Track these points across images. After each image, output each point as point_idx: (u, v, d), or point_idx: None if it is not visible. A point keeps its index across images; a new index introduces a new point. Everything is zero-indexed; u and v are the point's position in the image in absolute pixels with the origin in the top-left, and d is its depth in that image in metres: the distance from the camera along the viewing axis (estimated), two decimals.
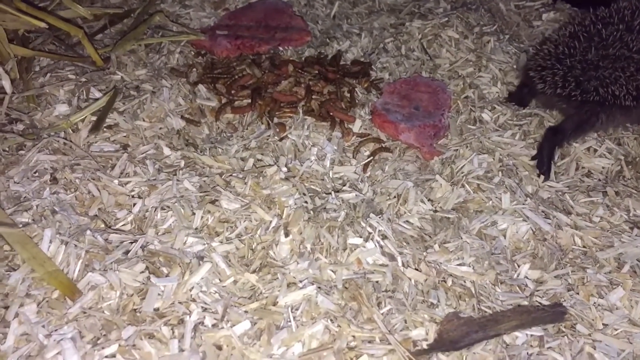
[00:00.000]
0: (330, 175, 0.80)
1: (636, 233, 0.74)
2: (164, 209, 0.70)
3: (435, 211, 0.76)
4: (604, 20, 0.82)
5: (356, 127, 0.87)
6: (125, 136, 0.82)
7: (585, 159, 0.84)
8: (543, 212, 0.76)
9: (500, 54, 1.00)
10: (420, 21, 1.06)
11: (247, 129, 0.86)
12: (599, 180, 0.82)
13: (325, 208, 0.72)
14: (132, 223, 0.71)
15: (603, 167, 0.83)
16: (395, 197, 0.77)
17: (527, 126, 0.89)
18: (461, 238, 0.72)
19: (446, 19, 1.06)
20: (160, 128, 0.84)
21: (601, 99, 0.80)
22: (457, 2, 1.21)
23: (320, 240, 0.67)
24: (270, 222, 0.70)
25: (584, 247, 0.73)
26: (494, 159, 0.83)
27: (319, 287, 0.62)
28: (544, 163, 0.83)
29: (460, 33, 1.04)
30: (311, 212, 0.70)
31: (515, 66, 0.99)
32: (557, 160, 0.84)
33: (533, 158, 0.83)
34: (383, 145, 0.85)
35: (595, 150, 0.85)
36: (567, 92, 0.81)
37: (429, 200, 0.77)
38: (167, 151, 0.80)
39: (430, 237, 0.72)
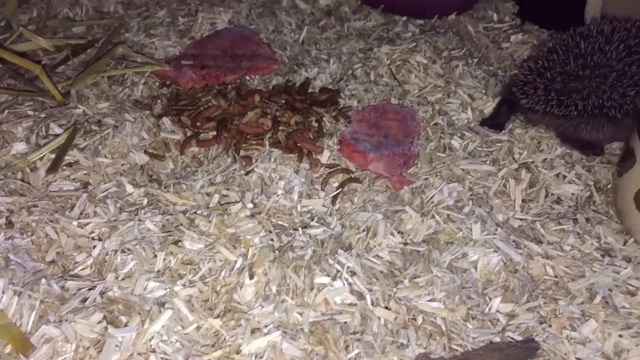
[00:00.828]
0: (299, 209, 0.78)
1: (607, 262, 0.73)
2: (125, 252, 0.68)
3: (406, 244, 0.75)
4: (582, 34, 0.84)
5: (324, 157, 0.85)
6: (85, 174, 0.80)
7: (554, 185, 0.83)
8: (514, 241, 0.75)
9: (468, 79, 0.99)
10: (388, 46, 1.06)
11: (212, 162, 0.84)
12: (569, 207, 0.81)
13: (292, 246, 0.70)
14: (91, 267, 0.68)
15: (572, 194, 0.83)
16: (364, 230, 0.75)
17: (496, 153, 0.88)
18: (432, 272, 0.70)
19: (414, 44, 1.05)
20: (123, 164, 0.82)
21: (582, 112, 0.82)
22: (425, 25, 1.21)
23: (286, 281, 0.65)
24: (236, 262, 0.68)
25: (555, 277, 0.72)
26: (464, 187, 0.82)
27: (284, 332, 0.60)
28: (588, 149, 0.88)
29: (429, 58, 1.03)
30: (277, 251, 0.68)
31: (484, 91, 0.98)
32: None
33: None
34: (352, 175, 0.84)
35: (565, 177, 0.84)
36: (549, 108, 0.83)
37: (399, 232, 0.76)
38: (129, 188, 0.78)
39: (400, 271, 0.71)
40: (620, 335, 0.65)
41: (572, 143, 0.89)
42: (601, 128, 0.85)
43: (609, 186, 0.84)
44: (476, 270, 0.72)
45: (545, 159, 0.87)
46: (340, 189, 0.81)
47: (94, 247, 0.70)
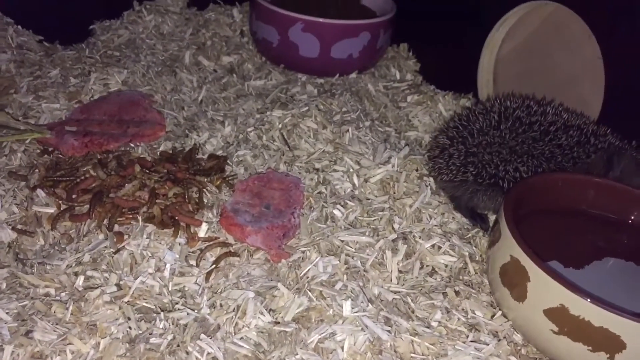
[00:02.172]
0: (170, 288, 0.76)
1: (472, 337, 0.74)
2: None
3: (276, 323, 0.74)
4: (480, 112, 0.92)
5: (203, 231, 0.84)
6: None
7: (429, 256, 0.85)
8: (385, 317, 0.76)
9: (356, 145, 1.01)
10: (280, 110, 1.06)
11: (83, 239, 0.81)
12: (442, 278, 0.82)
13: (151, 333, 0.68)
14: None
15: (446, 265, 0.84)
16: (234, 309, 0.74)
17: (377, 222, 0.89)
18: (297, 354, 0.70)
19: (306, 108, 1.07)
20: None
21: (478, 179, 0.89)
22: (325, 85, 1.22)
23: None
24: (88, 353, 0.65)
25: (422, 354, 0.73)
26: (339, 261, 0.82)
27: None
28: (473, 220, 0.93)
29: (319, 123, 1.04)
30: (129, 342, 0.66)
31: (371, 157, 0.99)
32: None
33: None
34: (230, 249, 0.83)
35: (440, 247, 0.86)
36: (450, 177, 0.91)
37: (269, 310, 0.75)
38: None
39: (264, 354, 0.70)
40: None
41: (464, 212, 0.94)
42: (495, 199, 0.91)
43: (484, 256, 0.86)
44: (342, 350, 0.71)
45: (423, 229, 0.88)
46: (215, 265, 0.80)
47: None
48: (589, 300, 0.66)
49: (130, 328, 0.68)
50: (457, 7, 1.25)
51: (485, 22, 1.17)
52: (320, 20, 1.19)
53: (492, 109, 0.92)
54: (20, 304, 0.70)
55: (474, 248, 0.88)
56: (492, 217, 0.95)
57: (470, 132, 0.90)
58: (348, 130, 1.04)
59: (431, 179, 0.97)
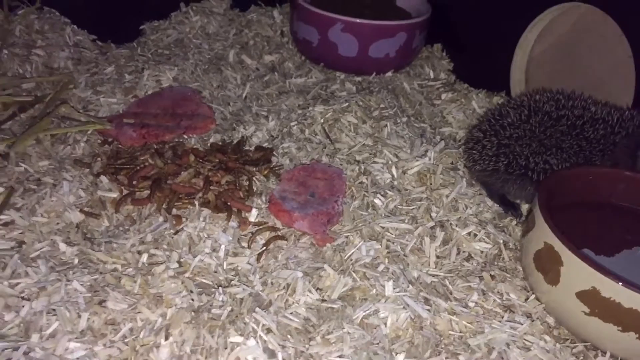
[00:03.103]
0: (224, 267, 0.83)
1: (507, 317, 0.79)
2: (50, 313, 0.72)
3: (323, 300, 0.80)
4: (512, 106, 0.97)
5: (253, 216, 0.90)
6: (21, 233, 0.83)
7: (466, 243, 0.90)
8: (425, 298, 0.81)
9: (394, 139, 1.06)
10: (322, 106, 1.12)
11: (145, 221, 0.88)
12: (478, 264, 0.87)
13: (211, 305, 0.75)
14: (19, 326, 0.72)
15: (482, 251, 0.89)
16: (284, 287, 0.80)
17: (415, 211, 0.94)
18: (344, 328, 0.75)
19: (346, 104, 1.12)
20: (58, 223, 0.86)
21: (510, 169, 0.94)
22: (362, 83, 1.28)
23: (200, 341, 0.70)
24: (156, 321, 0.72)
25: (460, 332, 0.78)
26: (381, 245, 0.87)
27: None
28: (504, 206, 0.98)
29: (359, 118, 1.10)
30: (193, 312, 0.73)
31: (409, 151, 1.04)
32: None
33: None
34: (278, 233, 0.89)
35: (476, 235, 0.91)
36: (483, 166, 0.96)
37: (317, 289, 0.81)
38: (63, 247, 0.82)
39: (314, 328, 0.76)
40: None
41: (495, 199, 0.99)
42: (525, 189, 0.96)
43: (517, 244, 0.91)
44: (386, 326, 0.77)
45: (460, 217, 0.93)
46: (266, 247, 0.86)
47: (23, 306, 0.73)
48: (619, 282, 0.71)
49: (192, 300, 0.75)
50: (492, 8, 1.29)
51: (518, 23, 1.21)
52: (359, 21, 1.25)
53: (522, 103, 0.96)
54: (92, 277, 0.77)
55: (508, 236, 0.92)
56: (524, 208, 0.99)
57: (502, 125, 0.95)
58: (387, 125, 1.09)
59: (466, 171, 1.02)
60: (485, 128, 0.97)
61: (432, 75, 1.38)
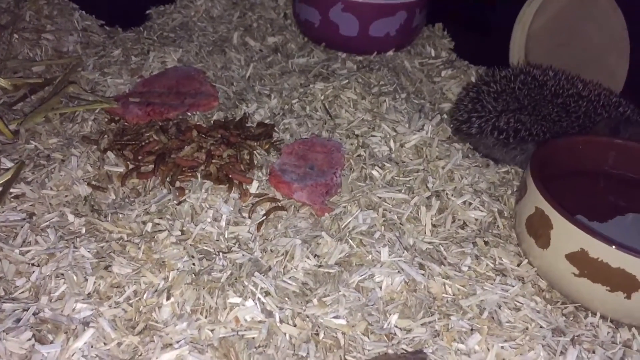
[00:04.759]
0: (226, 236, 0.86)
1: (499, 280, 0.81)
2: (58, 277, 0.75)
3: (320, 266, 0.83)
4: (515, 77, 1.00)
5: (253, 188, 0.93)
6: (31, 205, 0.87)
7: (461, 211, 0.92)
8: (419, 263, 0.83)
9: (393, 114, 1.08)
10: (322, 83, 1.15)
11: (149, 193, 0.92)
12: (472, 231, 0.90)
13: (212, 269, 0.78)
14: (30, 290, 0.76)
15: (476, 219, 0.91)
16: (283, 254, 0.83)
17: (412, 182, 0.97)
18: (339, 291, 0.78)
19: (346, 81, 1.15)
20: (66, 196, 0.89)
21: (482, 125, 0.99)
22: (363, 61, 1.30)
23: (200, 301, 0.73)
24: (159, 284, 0.75)
25: (453, 294, 0.80)
26: (377, 214, 0.90)
27: (194, 347, 0.67)
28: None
29: (358, 94, 1.12)
30: (194, 275, 0.76)
31: (407, 125, 1.07)
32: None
33: None
34: (278, 204, 0.92)
35: (470, 204, 0.93)
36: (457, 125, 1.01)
37: (315, 256, 0.84)
38: (71, 218, 0.86)
39: (311, 291, 0.79)
40: (502, 347, 0.73)
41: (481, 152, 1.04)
42: (502, 150, 1.01)
43: (512, 212, 0.93)
44: (380, 289, 0.80)
45: (455, 187, 0.96)
46: (266, 217, 0.89)
47: (33, 272, 0.77)
48: (607, 243, 0.72)
49: (194, 265, 0.78)
50: None
51: None
52: (359, 0, 1.27)
53: (514, 70, 1.00)
54: (99, 245, 0.81)
55: (503, 205, 0.94)
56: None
57: (486, 83, 0.99)
58: (385, 101, 1.11)
59: (461, 144, 1.04)
60: (470, 88, 1.02)
61: (433, 54, 1.39)
